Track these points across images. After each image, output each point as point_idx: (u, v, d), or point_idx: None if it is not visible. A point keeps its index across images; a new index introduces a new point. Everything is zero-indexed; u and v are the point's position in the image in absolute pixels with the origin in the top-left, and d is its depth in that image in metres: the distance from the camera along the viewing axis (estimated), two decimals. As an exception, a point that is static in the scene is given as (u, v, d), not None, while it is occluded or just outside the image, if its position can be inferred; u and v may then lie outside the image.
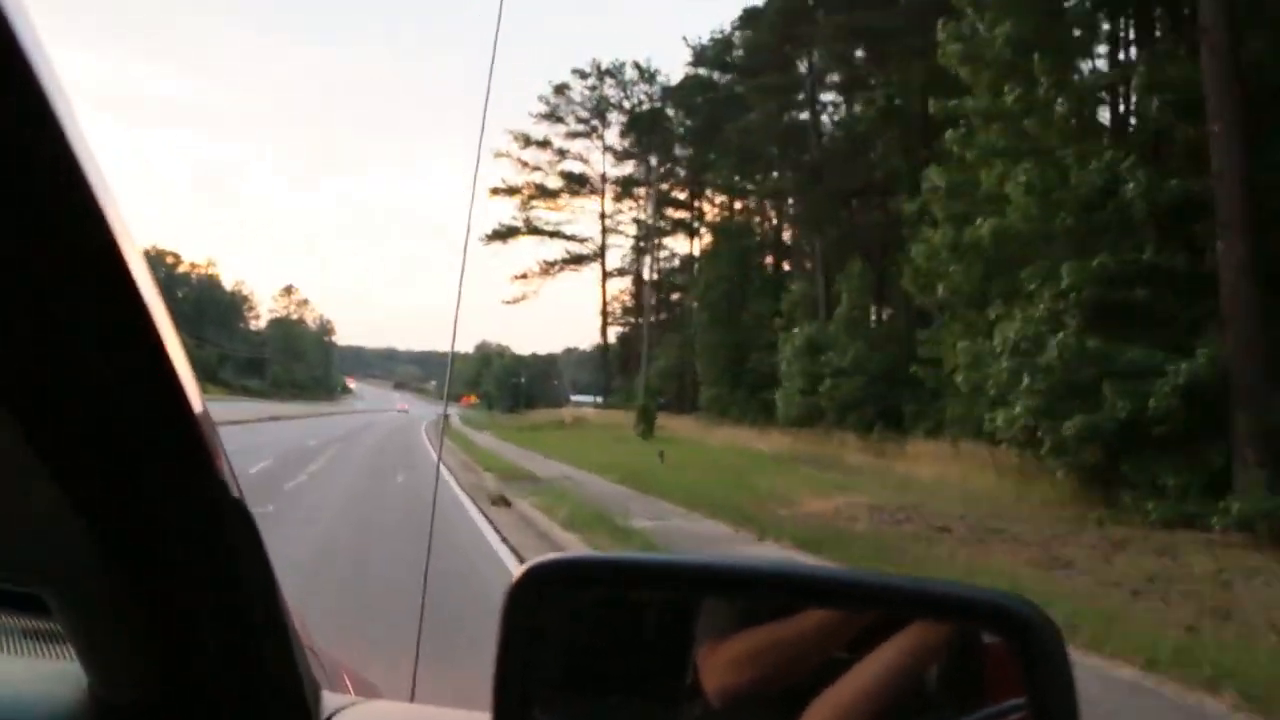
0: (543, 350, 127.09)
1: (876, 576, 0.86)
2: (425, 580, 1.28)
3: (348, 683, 1.20)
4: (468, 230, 1.14)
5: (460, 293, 1.17)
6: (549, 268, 73.52)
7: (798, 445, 28.80)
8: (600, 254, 73.46)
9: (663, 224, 68.81)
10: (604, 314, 76.14)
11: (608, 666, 0.91)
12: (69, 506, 0.62)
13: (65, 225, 0.50)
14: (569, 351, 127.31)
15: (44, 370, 0.55)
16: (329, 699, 0.93)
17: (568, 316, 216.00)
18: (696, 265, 57.63)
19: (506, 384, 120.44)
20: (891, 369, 28.48)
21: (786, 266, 48.22)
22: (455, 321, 1.22)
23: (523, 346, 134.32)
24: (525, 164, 70.33)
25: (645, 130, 65.37)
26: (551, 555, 0.85)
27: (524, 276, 74.06)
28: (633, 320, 74.61)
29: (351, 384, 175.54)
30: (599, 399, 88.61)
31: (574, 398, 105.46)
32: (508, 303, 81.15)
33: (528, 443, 33.09)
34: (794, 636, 0.82)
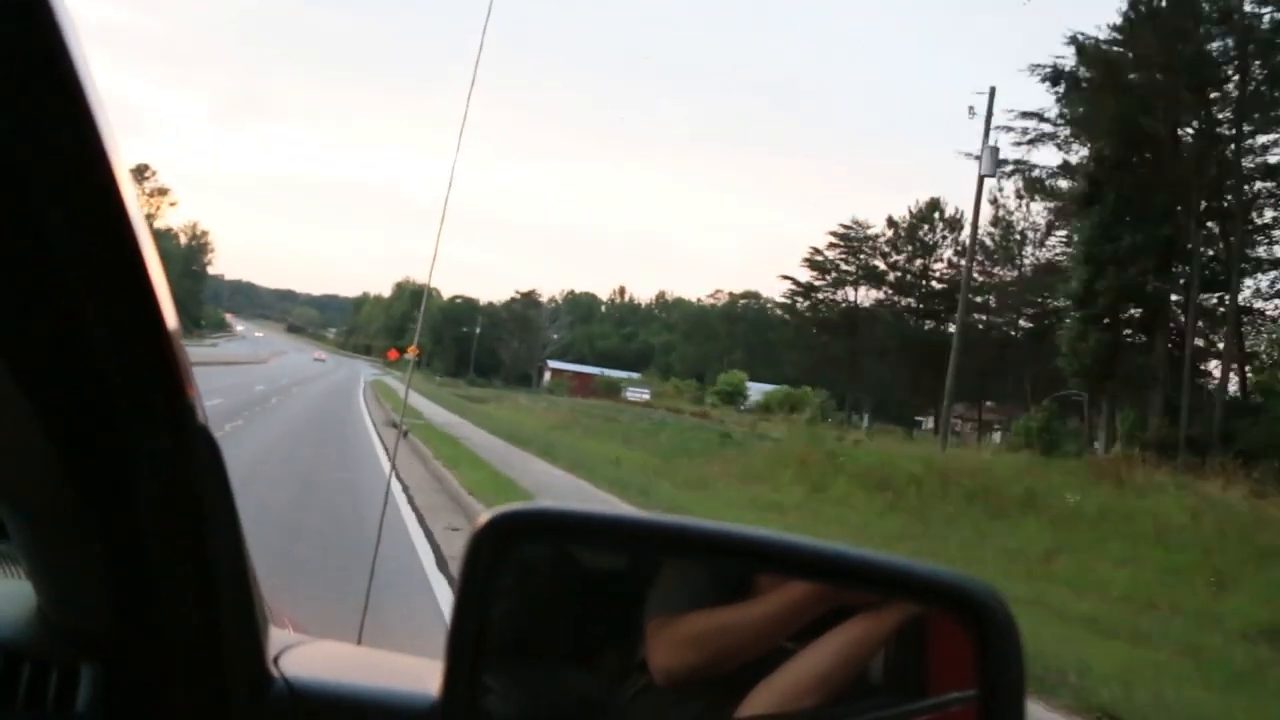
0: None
1: (838, 548, 0.82)
2: (380, 532, 1.23)
3: (289, 626, 1.18)
4: (453, 167, 0.79)
5: (442, 226, 0.88)
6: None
7: None
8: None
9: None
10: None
11: (559, 633, 0.91)
12: (33, 420, 0.60)
13: (54, 145, 0.50)
14: (525, 298, 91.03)
15: (17, 284, 0.54)
16: (276, 635, 0.92)
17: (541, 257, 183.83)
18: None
19: (449, 335, 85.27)
20: None
21: None
22: (435, 256, 0.88)
23: (450, 290, 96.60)
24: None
25: None
26: (516, 505, 0.82)
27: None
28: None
29: (234, 322, 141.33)
30: (642, 386, 55.96)
31: (554, 365, 72.29)
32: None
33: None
34: (742, 623, 0.82)
